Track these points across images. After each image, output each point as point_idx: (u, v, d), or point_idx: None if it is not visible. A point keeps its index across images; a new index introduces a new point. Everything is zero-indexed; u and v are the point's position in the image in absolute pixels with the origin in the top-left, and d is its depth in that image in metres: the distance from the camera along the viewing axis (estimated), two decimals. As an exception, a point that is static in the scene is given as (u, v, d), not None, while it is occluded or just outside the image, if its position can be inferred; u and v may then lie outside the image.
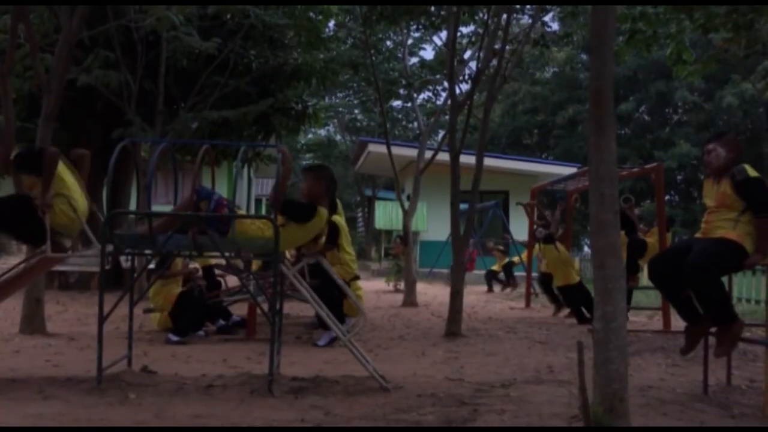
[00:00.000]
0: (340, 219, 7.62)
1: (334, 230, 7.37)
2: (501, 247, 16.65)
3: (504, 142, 32.75)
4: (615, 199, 3.59)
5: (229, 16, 11.17)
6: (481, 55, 9.49)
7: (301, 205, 5.01)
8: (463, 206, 9.09)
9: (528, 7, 13.65)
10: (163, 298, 7.10)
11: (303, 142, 32.97)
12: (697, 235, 4.90)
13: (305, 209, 4.97)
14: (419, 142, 14.69)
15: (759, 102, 23.14)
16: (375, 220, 22.28)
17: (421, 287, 13.62)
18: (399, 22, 12.51)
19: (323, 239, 6.85)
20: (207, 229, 4.69)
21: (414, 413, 4.07)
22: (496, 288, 15.60)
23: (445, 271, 17.30)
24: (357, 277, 7.65)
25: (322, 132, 34.94)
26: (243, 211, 5.05)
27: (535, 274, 11.64)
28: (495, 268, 16.02)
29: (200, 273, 7.85)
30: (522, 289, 13.42)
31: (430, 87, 17.76)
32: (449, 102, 9.27)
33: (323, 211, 5.04)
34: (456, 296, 7.87)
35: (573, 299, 9.73)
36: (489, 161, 15.86)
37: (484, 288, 15.77)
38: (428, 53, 30.09)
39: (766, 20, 7.85)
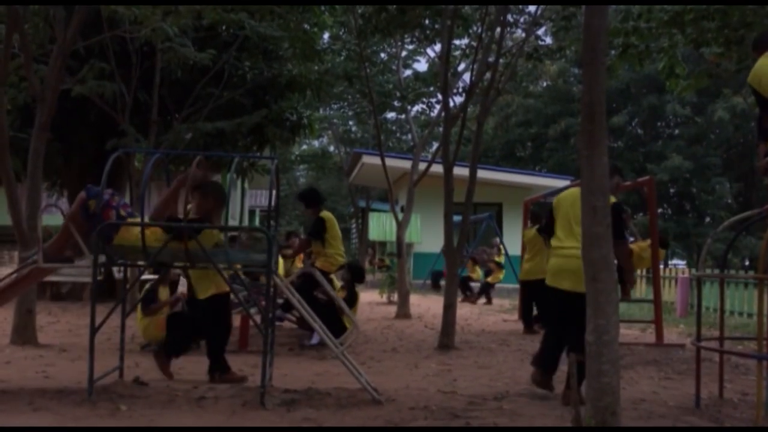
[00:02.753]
0: (330, 215, 7.70)
1: (319, 224, 7.46)
2: (497, 259, 16.60)
3: (497, 155, 32.84)
4: (607, 212, 3.61)
5: (224, 27, 11.20)
6: (475, 67, 9.54)
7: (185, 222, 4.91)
8: (456, 218, 9.10)
9: (521, 20, 13.75)
10: (154, 329, 7.02)
11: (297, 153, 32.95)
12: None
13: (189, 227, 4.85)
14: (413, 154, 14.71)
15: (750, 116, 23.29)
16: (369, 231, 22.28)
17: (414, 299, 13.61)
18: (393, 34, 12.55)
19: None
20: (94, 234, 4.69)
21: (406, 426, 4.06)
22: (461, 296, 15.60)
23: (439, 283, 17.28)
24: (342, 268, 7.79)
25: (316, 143, 34.98)
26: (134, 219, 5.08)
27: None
28: (490, 280, 15.98)
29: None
30: (515, 301, 13.42)
31: (424, 99, 17.78)
32: (443, 114, 9.30)
33: (210, 234, 4.91)
34: (449, 308, 7.87)
35: None
36: (482, 173, 15.95)
37: (496, 300, 15.82)
38: (422, 65, 30.26)
39: (757, 35, 7.92)
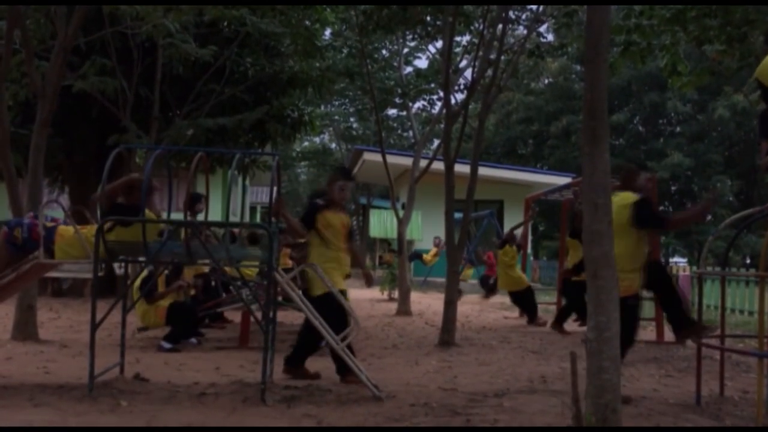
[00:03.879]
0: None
1: None
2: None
3: (499, 152, 32.80)
4: (608, 208, 3.60)
5: (225, 23, 11.19)
6: (476, 64, 9.53)
7: (126, 207, 5.04)
8: (457, 215, 9.09)
9: (523, 17, 13.72)
10: (154, 315, 7.05)
11: (298, 149, 32.95)
12: None
13: (129, 211, 4.95)
14: (414, 150, 14.69)
15: (751, 114, 23.26)
16: (370, 228, 22.26)
17: (415, 296, 13.60)
18: (395, 31, 12.53)
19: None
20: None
21: (407, 422, 4.06)
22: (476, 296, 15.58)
23: (440, 280, 17.17)
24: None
25: (318, 140, 34.95)
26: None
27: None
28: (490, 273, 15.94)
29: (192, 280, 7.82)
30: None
31: (425, 96, 17.76)
32: (444, 111, 9.29)
33: (150, 214, 5.00)
34: (450, 305, 7.87)
35: (521, 303, 10.77)
36: (484, 170, 15.92)
37: (496, 297, 15.69)
38: (422, 62, 30.16)
39: (759, 33, 7.91)
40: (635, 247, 5.01)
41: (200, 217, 7.32)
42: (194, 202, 7.09)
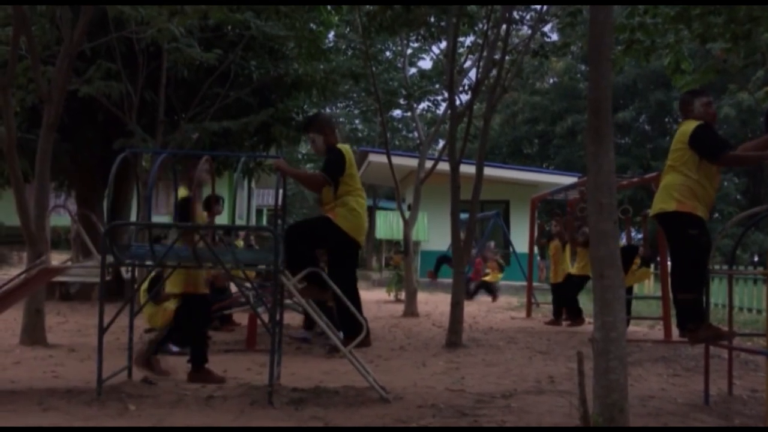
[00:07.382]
0: None
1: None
2: (499, 260, 16.66)
3: (504, 152, 32.79)
4: (613, 208, 3.60)
5: (229, 27, 11.21)
6: (481, 65, 9.54)
7: None
8: (463, 216, 9.09)
9: (527, 17, 13.72)
10: (162, 317, 7.05)
11: (304, 152, 33.01)
12: None
13: None
14: (419, 151, 14.70)
15: (756, 112, 23.16)
16: (376, 230, 22.27)
17: (421, 297, 13.60)
18: (399, 32, 12.53)
19: None
20: None
21: (414, 424, 4.06)
22: (485, 298, 15.58)
23: (447, 281, 17.19)
24: None
25: (323, 142, 34.91)
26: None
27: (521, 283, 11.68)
28: (488, 279, 16.01)
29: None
30: (523, 299, 13.42)
31: (430, 97, 17.77)
32: (449, 112, 9.30)
33: None
34: (457, 306, 7.86)
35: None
36: (489, 171, 15.86)
37: (487, 298, 15.68)
38: (426, 63, 30.18)
39: (764, 30, 7.88)
40: (699, 178, 4.95)
41: (218, 219, 7.28)
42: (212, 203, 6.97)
